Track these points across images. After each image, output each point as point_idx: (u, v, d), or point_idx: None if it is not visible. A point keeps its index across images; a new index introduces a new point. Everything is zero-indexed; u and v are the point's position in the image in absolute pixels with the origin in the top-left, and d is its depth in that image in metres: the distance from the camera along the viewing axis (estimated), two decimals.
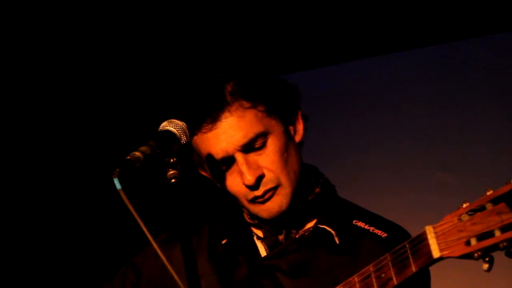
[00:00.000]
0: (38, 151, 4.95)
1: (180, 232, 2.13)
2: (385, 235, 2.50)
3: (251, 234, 2.58)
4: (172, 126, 2.25)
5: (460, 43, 4.78)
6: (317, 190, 2.59)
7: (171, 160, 2.16)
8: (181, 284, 1.99)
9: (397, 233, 2.53)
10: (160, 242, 2.67)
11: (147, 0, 4.73)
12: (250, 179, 2.41)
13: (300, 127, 2.57)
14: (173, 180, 2.14)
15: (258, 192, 2.44)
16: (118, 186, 2.03)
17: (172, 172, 2.15)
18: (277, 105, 2.49)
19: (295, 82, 2.61)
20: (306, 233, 2.50)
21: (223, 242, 2.59)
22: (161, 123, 2.28)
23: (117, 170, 2.06)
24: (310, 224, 2.53)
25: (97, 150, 4.96)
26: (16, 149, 4.89)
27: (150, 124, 2.41)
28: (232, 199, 2.55)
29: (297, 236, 2.51)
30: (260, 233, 2.57)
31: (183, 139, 2.24)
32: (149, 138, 2.19)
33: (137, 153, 2.13)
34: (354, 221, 2.54)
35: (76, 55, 4.89)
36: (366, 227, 2.53)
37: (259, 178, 2.43)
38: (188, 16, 4.81)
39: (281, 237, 2.54)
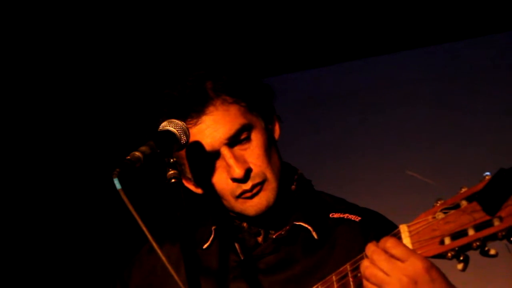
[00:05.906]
0: (38, 151, 4.95)
1: (180, 232, 2.13)
2: (359, 218, 2.51)
3: (231, 237, 2.55)
4: (172, 126, 2.25)
5: (460, 43, 4.78)
6: (293, 187, 2.59)
7: (171, 160, 2.16)
8: (181, 284, 1.99)
9: (371, 216, 2.55)
10: (143, 254, 2.68)
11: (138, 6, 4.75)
12: (239, 172, 2.38)
13: (276, 125, 2.57)
14: (173, 180, 2.13)
15: (246, 186, 2.41)
16: (118, 186, 2.03)
17: (172, 172, 2.14)
18: (257, 102, 2.49)
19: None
20: (283, 233, 2.49)
21: (204, 247, 2.57)
22: (159, 123, 2.28)
23: (117, 170, 2.05)
24: (287, 223, 2.51)
25: (97, 150, 4.96)
26: (16, 149, 4.89)
27: (150, 124, 2.41)
28: (216, 201, 2.51)
29: (274, 237, 2.49)
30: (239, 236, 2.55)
31: (183, 139, 2.24)
32: (149, 138, 2.19)
33: (137, 153, 2.13)
34: (331, 214, 2.54)
35: (75, 55, 4.89)
36: (341, 215, 2.53)
37: (247, 171, 2.40)
38: (178, 16, 4.81)
39: (260, 239, 2.52)
